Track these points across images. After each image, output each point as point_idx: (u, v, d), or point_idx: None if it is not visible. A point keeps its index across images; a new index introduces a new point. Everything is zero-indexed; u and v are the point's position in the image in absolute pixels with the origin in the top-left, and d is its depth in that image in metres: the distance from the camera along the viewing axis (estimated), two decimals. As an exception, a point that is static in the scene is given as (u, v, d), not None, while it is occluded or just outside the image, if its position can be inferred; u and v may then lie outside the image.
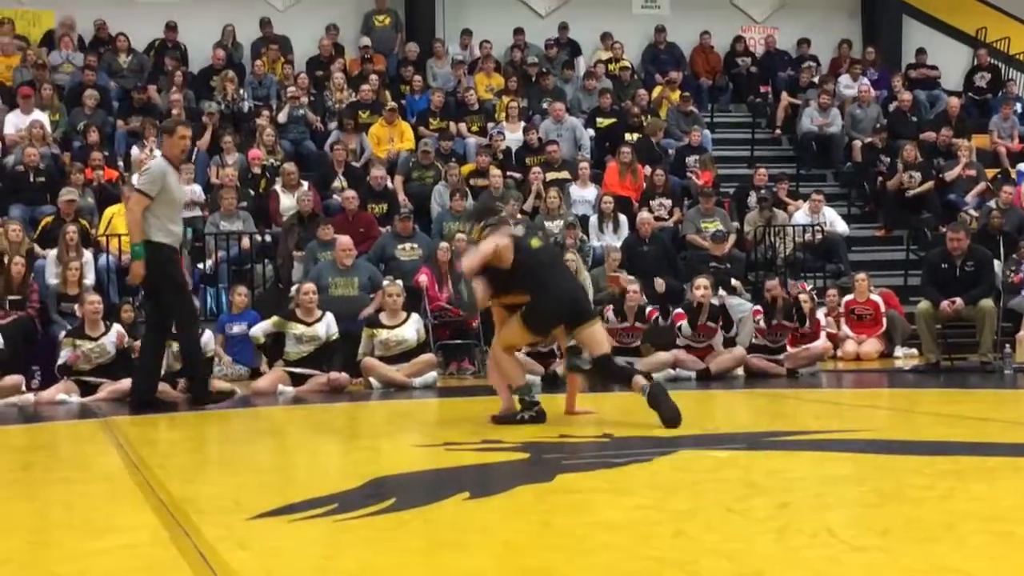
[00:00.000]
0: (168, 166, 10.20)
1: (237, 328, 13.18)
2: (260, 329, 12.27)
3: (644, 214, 16.01)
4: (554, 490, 5.25)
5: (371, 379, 11.91)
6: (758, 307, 12.76)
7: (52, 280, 13.68)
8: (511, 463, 6.21)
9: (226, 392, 10.86)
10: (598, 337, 8.12)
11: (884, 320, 14.75)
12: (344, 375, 11.82)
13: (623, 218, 16.37)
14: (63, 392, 11.29)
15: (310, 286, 12.29)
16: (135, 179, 11.70)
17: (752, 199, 17.37)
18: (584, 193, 16.91)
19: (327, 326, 12.05)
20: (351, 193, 15.60)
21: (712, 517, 4.49)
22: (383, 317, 12.30)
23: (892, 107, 20.35)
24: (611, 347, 8.38)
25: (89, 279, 13.73)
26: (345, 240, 13.97)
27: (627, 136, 18.24)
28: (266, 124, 17.19)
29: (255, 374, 12.85)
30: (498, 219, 8.41)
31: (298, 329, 11.96)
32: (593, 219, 16.33)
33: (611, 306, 12.26)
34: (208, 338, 11.97)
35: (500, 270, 8.08)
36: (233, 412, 10.29)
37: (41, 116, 16.85)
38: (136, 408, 10.15)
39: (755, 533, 4.19)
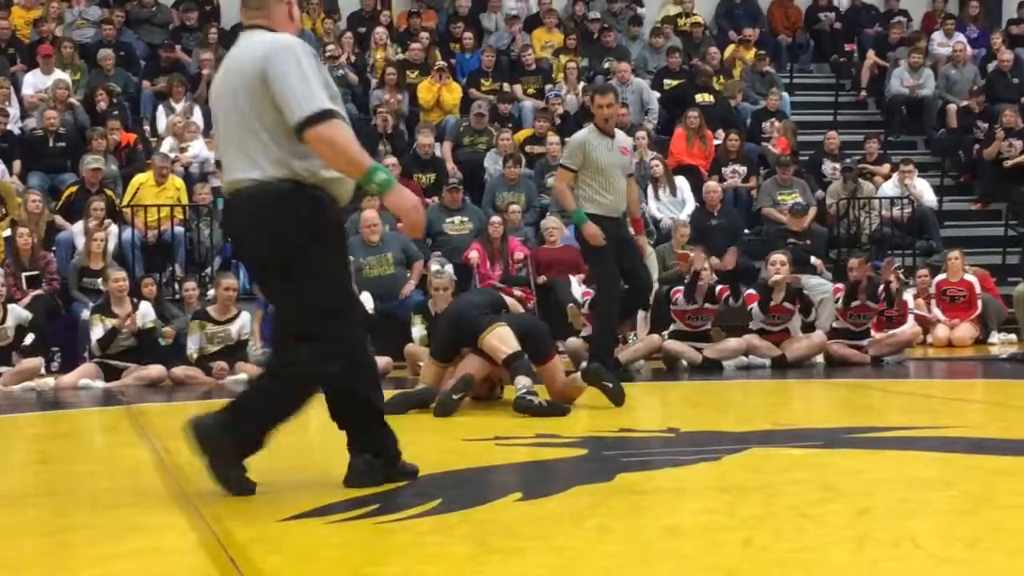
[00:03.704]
0: (590, 134, 10.97)
1: (281, 307, 13.17)
2: None
3: (712, 183, 15.97)
4: (614, 491, 5.28)
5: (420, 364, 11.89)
6: (839, 285, 12.68)
7: (78, 255, 13.75)
8: (567, 460, 6.25)
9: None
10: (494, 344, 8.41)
11: (979, 303, 14.65)
12: (385, 359, 11.86)
13: (682, 182, 16.26)
14: (86, 376, 11.43)
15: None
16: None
17: (826, 167, 17.28)
18: (645, 161, 16.74)
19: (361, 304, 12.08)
20: (392, 160, 15.56)
21: (785, 524, 4.50)
22: (431, 305, 12.22)
23: (991, 67, 20.15)
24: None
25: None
26: (369, 215, 13.73)
27: (697, 98, 18.13)
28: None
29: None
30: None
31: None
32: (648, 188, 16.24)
33: (680, 288, 12.17)
34: (245, 319, 12.07)
35: None
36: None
37: (63, 76, 16.98)
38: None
39: (831, 542, 4.20)
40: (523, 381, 8.18)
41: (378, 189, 5.14)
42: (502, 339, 8.35)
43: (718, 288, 12.24)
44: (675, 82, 18.87)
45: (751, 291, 12.24)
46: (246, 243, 5.37)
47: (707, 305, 12.14)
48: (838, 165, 17.12)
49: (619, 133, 11.32)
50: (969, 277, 14.81)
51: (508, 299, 9.24)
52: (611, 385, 8.40)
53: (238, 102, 5.18)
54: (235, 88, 5.20)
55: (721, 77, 18.94)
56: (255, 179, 5.15)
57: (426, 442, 7.43)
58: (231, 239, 5.60)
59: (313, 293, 5.17)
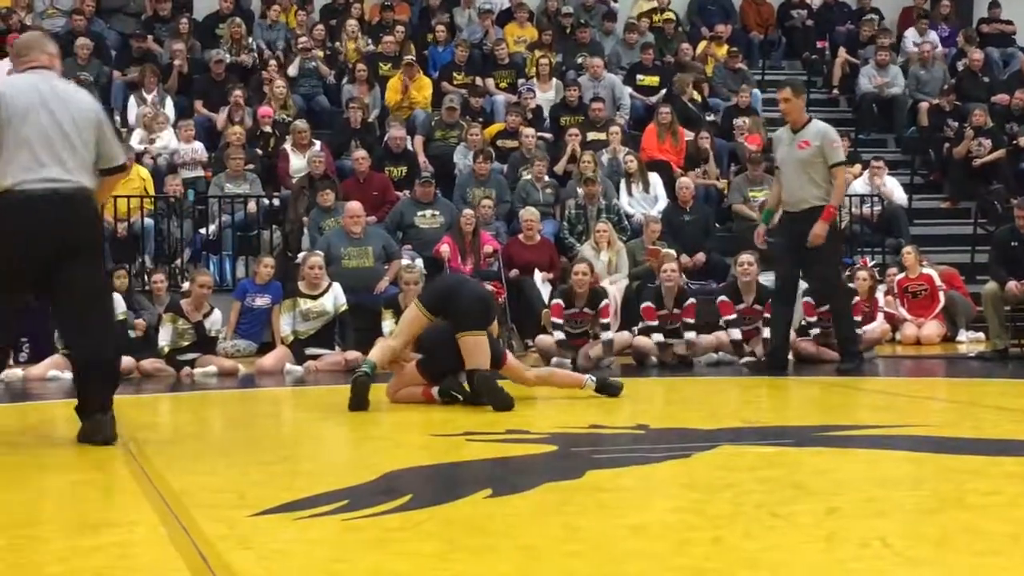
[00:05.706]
0: (782, 131, 11.55)
1: (260, 300, 13.00)
2: (288, 326, 12.23)
3: (684, 180, 15.96)
4: (583, 488, 5.28)
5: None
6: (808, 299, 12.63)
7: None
8: (537, 456, 6.25)
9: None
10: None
11: (941, 296, 14.67)
12: (359, 354, 11.84)
13: (655, 178, 16.27)
14: (54, 368, 11.35)
15: (316, 260, 12.35)
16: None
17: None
18: (617, 157, 16.75)
19: (335, 298, 12.14)
20: (361, 154, 15.55)
21: (753, 522, 4.51)
22: (402, 299, 12.20)
23: (961, 65, 20.20)
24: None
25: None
26: (354, 206, 13.85)
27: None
28: (275, 76, 17.17)
29: (263, 350, 12.88)
30: None
31: (304, 304, 12.04)
32: (622, 183, 16.23)
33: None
34: (217, 316, 12.03)
35: None
36: (237, 393, 10.36)
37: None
38: (770, 367, 11.10)
39: (799, 542, 4.21)
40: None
41: None
42: (484, 351, 8.33)
43: (687, 302, 12.14)
44: (648, 78, 18.86)
45: (723, 298, 12.16)
46: (88, 233, 6.83)
47: (675, 311, 12.10)
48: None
49: (813, 125, 11.31)
50: (927, 270, 14.81)
51: None
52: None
53: (77, 125, 6.68)
54: (72, 114, 6.68)
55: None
56: (87, 185, 6.73)
57: (396, 437, 7.44)
58: (65, 228, 6.66)
59: None
